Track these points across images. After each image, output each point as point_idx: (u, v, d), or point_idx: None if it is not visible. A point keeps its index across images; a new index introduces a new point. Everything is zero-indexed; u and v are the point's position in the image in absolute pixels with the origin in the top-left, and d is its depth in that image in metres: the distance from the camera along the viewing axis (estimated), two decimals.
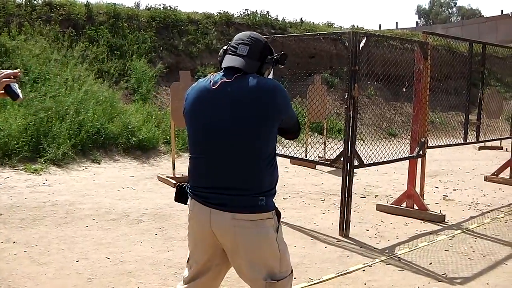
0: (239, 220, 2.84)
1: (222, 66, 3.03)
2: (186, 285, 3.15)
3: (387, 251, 6.21)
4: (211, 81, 2.96)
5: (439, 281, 5.27)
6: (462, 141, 8.91)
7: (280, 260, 2.93)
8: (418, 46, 7.67)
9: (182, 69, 12.16)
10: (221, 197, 2.87)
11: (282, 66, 3.17)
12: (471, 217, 7.92)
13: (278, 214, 2.99)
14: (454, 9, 69.30)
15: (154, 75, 15.56)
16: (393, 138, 13.78)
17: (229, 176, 2.87)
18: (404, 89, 8.67)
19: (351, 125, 6.60)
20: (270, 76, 3.15)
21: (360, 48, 6.63)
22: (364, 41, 6.70)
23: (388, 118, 18.65)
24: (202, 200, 2.95)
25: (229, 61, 3.00)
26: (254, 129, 2.83)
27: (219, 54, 3.12)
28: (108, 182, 9.68)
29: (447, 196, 9.28)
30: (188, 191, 3.08)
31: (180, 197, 3.14)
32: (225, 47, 3.11)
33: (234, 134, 2.84)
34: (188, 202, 3.08)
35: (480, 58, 9.44)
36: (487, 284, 5.23)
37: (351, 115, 6.59)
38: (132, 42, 16.08)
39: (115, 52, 15.46)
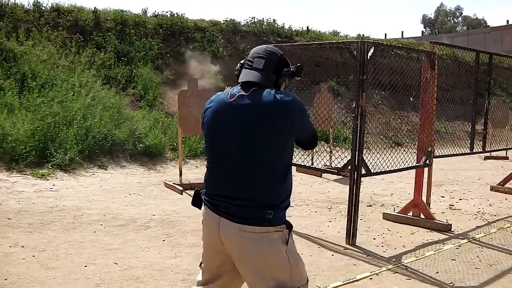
0: (246, 232, 2.87)
1: (239, 81, 3.08)
2: (199, 287, 3.19)
3: (394, 259, 6.22)
4: (228, 94, 3.02)
5: None
6: (469, 151, 8.92)
7: (291, 271, 2.95)
8: (425, 55, 7.69)
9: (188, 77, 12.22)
10: (230, 207, 2.91)
11: (299, 78, 3.22)
12: (477, 226, 7.92)
13: (289, 227, 3.02)
14: (460, 18, 69.41)
15: (161, 81, 15.62)
16: (399, 147, 13.74)
17: (240, 187, 2.91)
18: (411, 99, 8.70)
19: (358, 133, 6.63)
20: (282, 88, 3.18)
21: (368, 57, 6.65)
22: (372, 50, 6.72)
23: (393, 127, 18.67)
24: (213, 207, 3.00)
25: (246, 75, 3.05)
26: (268, 142, 2.88)
27: (236, 69, 3.17)
28: (115, 188, 9.72)
29: (453, 205, 9.28)
30: (202, 197, 3.12)
31: (196, 202, 3.20)
32: (242, 61, 3.16)
33: (248, 146, 2.89)
34: (202, 209, 3.13)
35: (486, 68, 9.47)
36: None
37: (359, 124, 6.61)
38: (139, 48, 16.16)
39: (122, 58, 15.53)
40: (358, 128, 6.62)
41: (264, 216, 2.87)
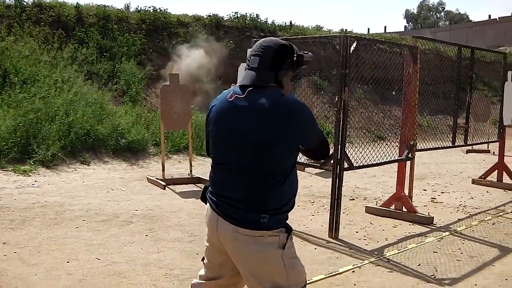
0: (240, 234, 2.84)
1: (237, 84, 3.03)
2: (202, 281, 3.21)
3: (376, 252, 6.25)
4: (231, 91, 2.96)
5: (428, 282, 5.32)
6: (451, 144, 8.98)
7: (287, 274, 2.88)
8: (408, 50, 7.72)
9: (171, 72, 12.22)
10: (227, 208, 2.89)
11: (304, 67, 2.98)
12: (459, 219, 7.98)
13: (289, 230, 2.94)
14: (442, 13, 69.60)
15: (144, 77, 15.57)
16: (381, 141, 13.81)
17: (237, 189, 2.88)
18: (393, 93, 8.73)
19: (341, 127, 6.65)
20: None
21: (351, 52, 6.68)
22: (354, 44, 6.74)
23: (376, 121, 18.75)
24: (214, 206, 2.99)
25: (243, 77, 2.97)
26: (262, 148, 2.80)
27: (238, 69, 3.11)
28: (97, 183, 9.68)
29: (435, 198, 9.35)
30: (207, 194, 3.12)
31: (202, 197, 3.18)
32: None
33: (244, 149, 2.84)
34: (207, 205, 3.13)
35: (468, 62, 9.53)
36: (475, 285, 5.29)
37: (341, 118, 6.63)
38: (122, 44, 16.10)
39: (105, 54, 15.47)
40: (341, 122, 6.65)
41: (258, 220, 2.81)
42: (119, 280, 5.10)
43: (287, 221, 2.97)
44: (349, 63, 6.67)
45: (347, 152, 6.79)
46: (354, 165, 6.95)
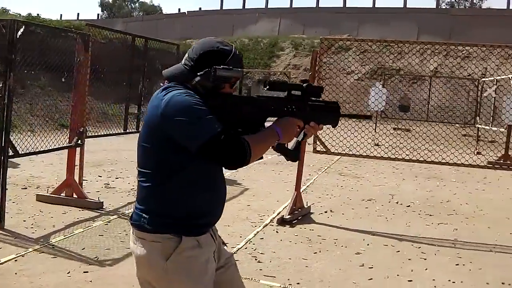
0: (133, 235, 2.63)
1: None
2: None
3: (42, 240, 6.25)
4: None
5: (90, 265, 5.52)
6: (122, 131, 9.31)
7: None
8: (80, 37, 7.82)
9: None
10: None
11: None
12: (129, 203, 8.32)
13: (182, 242, 2.54)
14: (137, 4, 71.09)
15: None
16: (65, 130, 13.77)
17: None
18: (63, 79, 8.79)
19: (6, 114, 6.51)
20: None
21: (18, 37, 6.57)
22: (22, 29, 6.65)
23: (61, 110, 18.43)
24: None
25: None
26: (144, 141, 2.59)
27: None
28: None
29: (109, 184, 9.62)
30: None
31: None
32: None
33: (140, 143, 2.63)
34: None
35: (153, 53, 10.00)
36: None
37: (6, 104, 6.50)
38: None
39: None
40: (5, 109, 6.51)
41: (138, 219, 2.57)
42: None
43: (187, 231, 2.55)
44: (15, 48, 6.57)
45: (15, 140, 6.69)
46: (20, 153, 6.87)
